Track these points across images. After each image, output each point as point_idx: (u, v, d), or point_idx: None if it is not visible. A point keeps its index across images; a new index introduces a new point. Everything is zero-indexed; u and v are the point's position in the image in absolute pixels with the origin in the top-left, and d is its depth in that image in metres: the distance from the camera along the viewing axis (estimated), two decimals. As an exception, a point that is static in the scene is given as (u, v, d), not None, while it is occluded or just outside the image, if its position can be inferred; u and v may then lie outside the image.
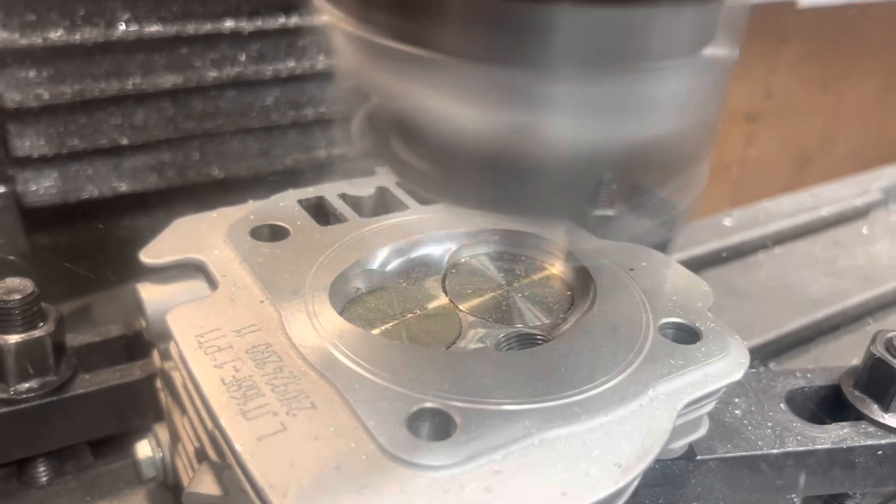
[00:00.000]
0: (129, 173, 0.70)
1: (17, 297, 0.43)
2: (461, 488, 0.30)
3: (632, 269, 0.44)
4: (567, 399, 0.34)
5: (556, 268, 0.46)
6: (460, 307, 0.42)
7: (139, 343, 0.50)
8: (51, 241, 0.70)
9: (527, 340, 0.40)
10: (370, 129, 0.35)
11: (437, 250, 0.45)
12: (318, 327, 0.37)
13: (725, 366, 0.38)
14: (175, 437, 0.44)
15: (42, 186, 0.67)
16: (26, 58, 0.61)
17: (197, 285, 0.42)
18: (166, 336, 0.39)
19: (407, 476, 0.30)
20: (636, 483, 0.33)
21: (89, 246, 0.73)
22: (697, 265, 0.81)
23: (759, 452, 0.42)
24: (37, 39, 0.61)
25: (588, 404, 0.34)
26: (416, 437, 0.32)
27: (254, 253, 0.42)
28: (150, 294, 0.41)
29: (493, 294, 0.44)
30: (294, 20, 0.70)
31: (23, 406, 0.44)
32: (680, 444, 0.41)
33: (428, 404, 0.33)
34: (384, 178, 0.51)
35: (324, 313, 0.38)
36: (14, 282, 0.44)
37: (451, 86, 0.27)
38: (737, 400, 0.45)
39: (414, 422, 0.33)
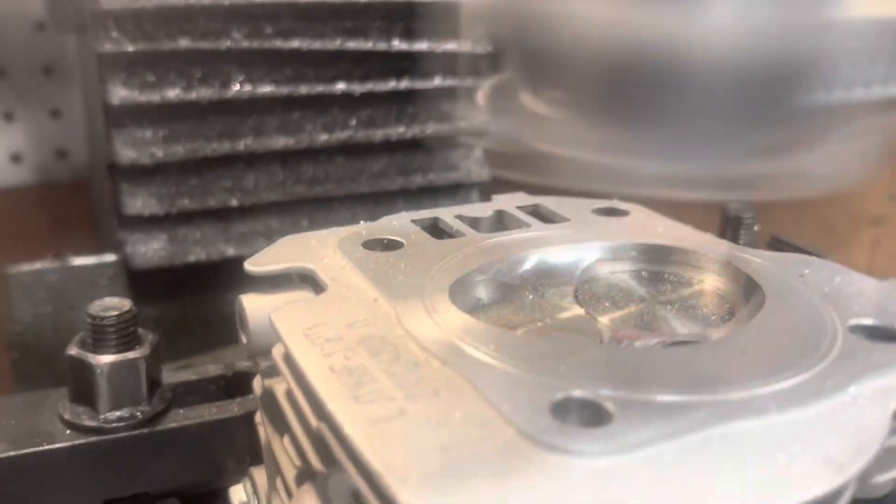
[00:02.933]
0: (236, 237, 0.68)
1: (114, 314, 0.40)
2: (628, 478, 0.24)
3: (802, 276, 0.37)
4: (749, 392, 0.28)
5: (709, 283, 0.40)
6: (598, 318, 0.37)
7: (238, 383, 0.46)
8: (155, 310, 0.69)
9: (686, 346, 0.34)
10: (497, 92, 0.31)
11: (568, 263, 0.40)
12: (440, 321, 0.32)
13: (943, 366, 0.30)
14: (273, 476, 0.39)
15: (150, 248, 0.66)
16: (143, 116, 0.62)
17: (304, 295, 0.38)
18: (269, 350, 0.35)
19: (557, 462, 0.24)
20: (850, 494, 0.26)
21: (194, 315, 0.71)
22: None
23: None
24: (154, 98, 0.61)
25: (779, 397, 0.27)
26: (567, 424, 0.26)
27: (367, 260, 0.38)
28: (254, 304, 0.38)
29: (635, 307, 0.38)
30: (404, 84, 0.70)
31: (112, 436, 0.40)
32: (885, 479, 0.32)
33: (575, 393, 0.27)
34: (503, 203, 0.47)
35: (445, 310, 0.33)
36: (112, 300, 0.41)
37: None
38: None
39: (559, 411, 0.26)
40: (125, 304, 0.41)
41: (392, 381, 0.28)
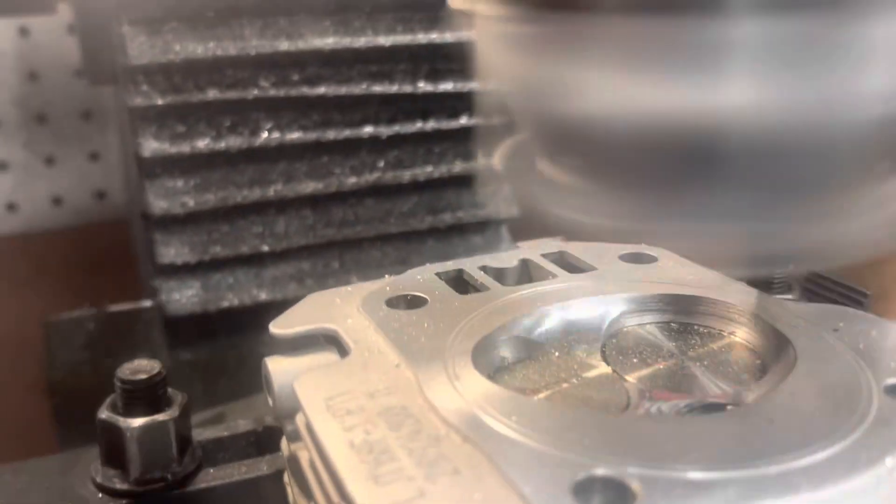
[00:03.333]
0: (269, 282, 0.69)
1: (144, 377, 0.41)
2: (651, 568, 0.23)
3: (836, 330, 0.36)
4: (780, 466, 0.27)
5: (740, 336, 0.39)
6: (626, 377, 0.36)
7: (268, 437, 0.46)
8: (191, 353, 0.69)
9: (713, 410, 0.33)
10: (514, 155, 0.31)
11: (594, 317, 0.40)
12: (462, 389, 0.32)
13: None
14: (302, 538, 0.39)
15: (184, 296, 0.66)
16: (174, 167, 0.63)
17: (328, 357, 0.38)
18: (294, 413, 0.35)
19: (579, 552, 0.23)
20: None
21: (228, 357, 0.71)
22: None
23: None
24: (185, 149, 0.62)
25: (810, 473, 0.26)
26: (587, 507, 0.25)
27: (389, 320, 0.38)
28: (279, 367, 0.38)
29: (664, 363, 0.37)
30: (431, 125, 0.70)
31: (143, 499, 0.40)
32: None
33: (599, 471, 0.27)
34: (528, 251, 0.47)
35: (467, 376, 0.33)
36: (142, 362, 0.42)
37: (616, 51, 0.23)
38: None
39: (581, 492, 0.26)
40: (154, 366, 0.42)
41: (412, 458, 0.28)
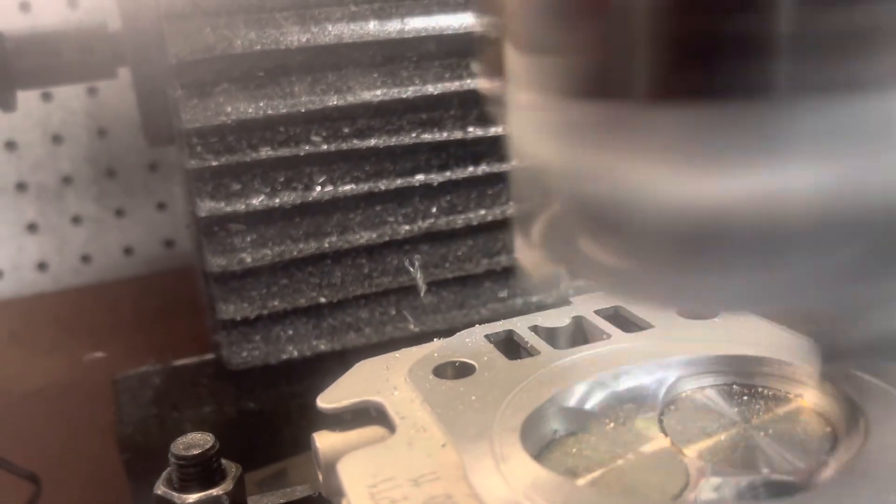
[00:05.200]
0: (327, 332, 0.69)
1: (197, 452, 0.41)
2: None
3: (912, 395, 0.34)
4: (850, 566, 0.25)
5: (808, 399, 0.37)
6: (685, 450, 0.34)
7: (325, 502, 0.46)
8: (255, 403, 0.70)
9: (779, 489, 0.31)
10: (553, 231, 0.30)
11: (651, 382, 0.38)
12: (508, 474, 0.31)
13: None
14: None
15: (245, 349, 0.67)
16: (230, 224, 0.64)
17: (377, 431, 0.37)
18: (342, 493, 0.35)
19: None
20: None
21: (291, 406, 0.72)
22: None
23: None
24: (240, 207, 0.63)
25: (883, 574, 0.24)
26: None
27: (436, 392, 0.37)
28: (327, 443, 0.37)
29: (726, 433, 0.35)
30: (482, 169, 0.69)
31: (200, 575, 0.40)
32: None
33: (650, 572, 0.25)
34: (581, 307, 0.45)
35: (514, 457, 0.32)
36: (195, 436, 0.42)
37: (655, 141, 0.22)
38: None
39: None
40: (208, 439, 0.42)
41: (455, 555, 0.27)
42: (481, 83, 0.27)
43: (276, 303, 0.66)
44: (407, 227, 0.68)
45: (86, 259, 1.06)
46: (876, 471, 0.29)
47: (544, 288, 0.31)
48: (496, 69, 0.27)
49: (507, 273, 0.72)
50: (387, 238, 0.68)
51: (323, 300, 0.68)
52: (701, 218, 0.22)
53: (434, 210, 0.69)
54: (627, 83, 0.21)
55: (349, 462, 0.33)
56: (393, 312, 0.71)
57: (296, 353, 0.68)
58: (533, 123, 0.26)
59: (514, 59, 0.26)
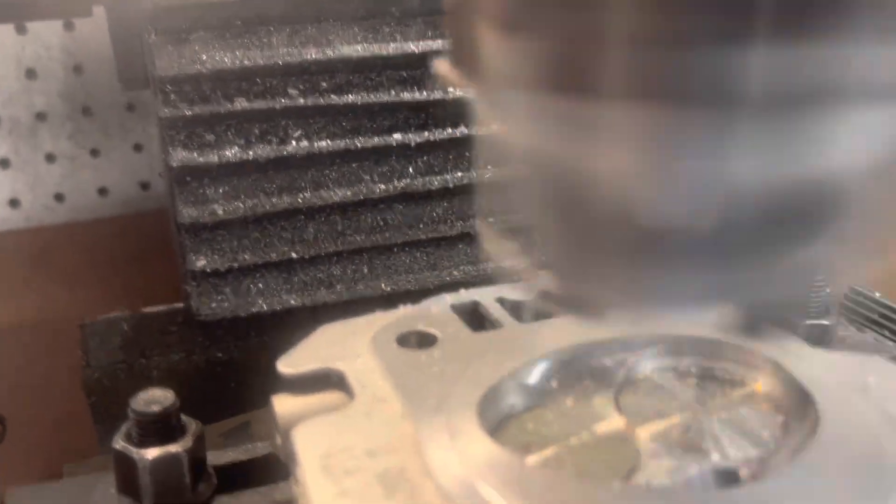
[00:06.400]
0: (298, 287, 0.69)
1: (157, 408, 0.41)
2: None
3: (865, 387, 0.34)
4: (784, 559, 0.25)
5: (763, 385, 0.37)
6: (639, 431, 0.35)
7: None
8: (225, 350, 0.70)
9: (728, 478, 0.32)
10: (513, 213, 0.30)
11: (610, 361, 0.38)
12: (462, 451, 0.31)
13: None
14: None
15: (215, 301, 0.67)
16: (203, 175, 0.63)
17: (337, 397, 0.38)
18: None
19: None
20: None
21: (260, 357, 0.72)
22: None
23: None
24: (213, 158, 0.62)
25: (816, 568, 0.25)
26: None
27: (398, 362, 0.38)
28: (286, 407, 0.38)
29: (681, 416, 0.36)
30: (461, 131, 0.68)
31: (156, 529, 0.41)
32: None
33: (591, 556, 0.26)
34: (550, 280, 0.45)
35: (469, 433, 0.32)
36: (155, 392, 0.42)
37: (617, 136, 0.21)
38: None
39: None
40: (168, 396, 0.42)
41: (402, 530, 0.27)
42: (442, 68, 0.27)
43: (246, 256, 0.66)
44: (382, 187, 0.68)
45: (59, 197, 1.04)
46: (825, 462, 0.30)
47: (502, 261, 0.31)
48: (464, 46, 0.26)
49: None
50: (362, 196, 0.67)
51: (295, 255, 0.67)
52: (658, 214, 0.22)
53: (411, 170, 0.69)
54: (592, 78, 0.21)
55: (305, 430, 0.33)
56: (365, 270, 0.71)
57: (265, 307, 0.68)
58: (501, 109, 0.25)
59: (486, 37, 0.26)
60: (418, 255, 0.72)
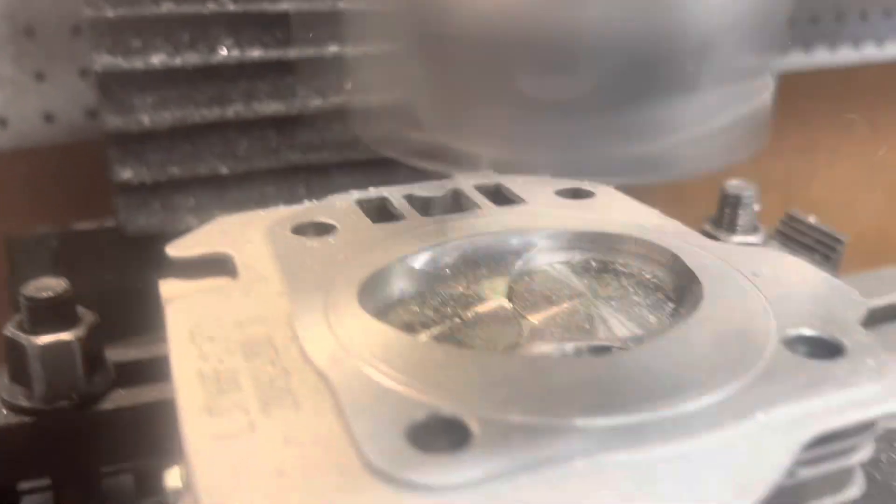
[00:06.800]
0: (231, 205, 0.67)
1: (48, 294, 0.40)
2: (464, 517, 0.21)
3: (756, 275, 0.34)
4: (636, 417, 0.25)
5: (657, 276, 0.37)
6: (527, 314, 0.34)
7: (189, 362, 0.46)
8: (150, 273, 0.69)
9: (602, 353, 0.31)
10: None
11: (507, 252, 0.38)
12: (334, 324, 0.30)
13: (879, 391, 0.27)
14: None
15: (143, 216, 0.66)
16: (130, 83, 0.61)
17: (224, 282, 0.37)
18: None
19: (391, 498, 0.22)
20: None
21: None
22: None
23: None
24: (139, 64, 0.60)
25: (665, 426, 0.25)
26: (416, 450, 0.24)
27: (289, 247, 0.37)
28: (172, 291, 0.36)
29: (569, 304, 0.35)
30: (403, 46, 0.67)
31: (48, 417, 0.40)
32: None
33: (440, 412, 0.25)
34: (462, 181, 0.44)
35: (345, 310, 0.31)
36: (49, 280, 0.41)
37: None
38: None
39: (418, 433, 0.24)
40: (61, 284, 0.41)
41: (256, 390, 0.27)
42: None
43: (175, 170, 0.65)
44: (318, 102, 0.66)
45: (2, 122, 1.02)
46: (693, 337, 0.29)
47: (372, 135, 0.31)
48: None
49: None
50: (296, 111, 0.66)
51: (226, 171, 0.66)
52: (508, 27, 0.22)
53: (349, 87, 0.67)
54: None
55: (179, 305, 0.32)
56: (302, 191, 0.70)
57: (196, 224, 0.67)
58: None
59: None
60: (357, 175, 0.70)
